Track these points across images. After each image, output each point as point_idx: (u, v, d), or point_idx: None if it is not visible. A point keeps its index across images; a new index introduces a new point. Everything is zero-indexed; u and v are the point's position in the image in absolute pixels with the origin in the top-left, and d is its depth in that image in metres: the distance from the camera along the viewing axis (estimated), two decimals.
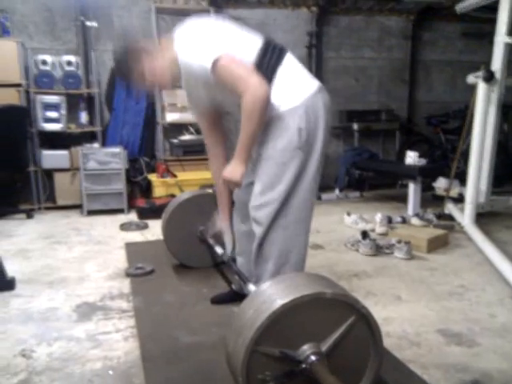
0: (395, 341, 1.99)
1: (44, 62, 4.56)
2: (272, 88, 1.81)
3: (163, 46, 1.96)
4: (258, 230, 1.92)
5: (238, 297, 2.20)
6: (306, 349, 1.34)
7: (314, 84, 1.92)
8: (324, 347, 1.35)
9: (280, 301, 1.30)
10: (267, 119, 1.84)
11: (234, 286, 2.37)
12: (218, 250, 2.42)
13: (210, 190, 2.50)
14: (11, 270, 2.70)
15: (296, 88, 1.87)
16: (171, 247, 2.80)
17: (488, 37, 4.19)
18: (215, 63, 1.73)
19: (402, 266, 2.96)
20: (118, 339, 2.02)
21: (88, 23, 4.83)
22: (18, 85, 4.42)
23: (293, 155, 1.84)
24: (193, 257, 2.82)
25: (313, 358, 1.32)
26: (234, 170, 1.85)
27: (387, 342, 1.93)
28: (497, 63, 3.74)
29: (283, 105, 1.84)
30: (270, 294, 1.36)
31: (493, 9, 4.01)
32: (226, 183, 1.93)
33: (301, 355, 1.33)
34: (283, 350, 1.32)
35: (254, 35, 1.92)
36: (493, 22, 3.82)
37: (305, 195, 1.90)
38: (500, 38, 3.71)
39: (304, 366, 1.32)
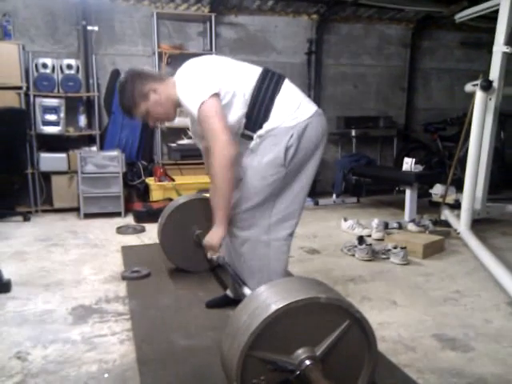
0: (391, 345, 1.99)
1: (44, 65, 4.57)
2: (271, 114, 1.94)
3: (168, 83, 2.02)
4: (234, 240, 2.04)
5: (232, 301, 2.20)
6: (301, 353, 1.34)
7: (311, 108, 2.01)
8: (318, 351, 1.35)
9: (274, 305, 1.30)
10: (263, 133, 1.94)
11: (228, 292, 2.37)
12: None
13: (206, 195, 2.51)
14: (7, 273, 2.70)
15: (292, 111, 1.96)
16: (167, 251, 2.80)
17: (486, 46, 4.23)
18: (200, 106, 1.83)
19: (397, 272, 2.97)
20: (113, 342, 2.02)
21: (89, 27, 4.85)
22: (19, 87, 4.43)
23: (275, 171, 1.94)
24: (189, 261, 2.82)
25: (307, 362, 1.32)
26: (213, 235, 1.98)
27: (383, 347, 1.93)
28: (495, 72, 3.77)
29: (278, 124, 1.94)
30: (265, 299, 1.36)
31: (491, 19, 4.05)
32: (206, 249, 2.05)
33: (295, 360, 1.33)
34: (275, 361, 1.32)
35: (253, 66, 2.04)
36: (491, 31, 3.85)
37: (283, 210, 2.00)
38: (498, 48, 3.74)
39: (298, 371, 1.32)
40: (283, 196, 2.00)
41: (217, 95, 1.85)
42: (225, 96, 1.91)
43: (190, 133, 2.35)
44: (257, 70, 2.01)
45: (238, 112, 1.96)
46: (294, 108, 1.96)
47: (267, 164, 1.93)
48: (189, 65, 2.00)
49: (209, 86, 1.86)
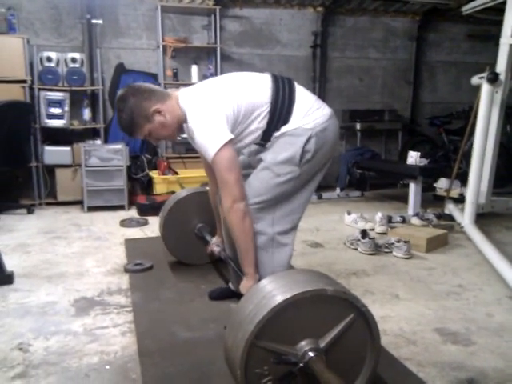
0: (392, 339, 1.99)
1: (49, 59, 4.58)
2: (290, 121, 1.93)
3: (171, 101, 1.94)
4: None
5: (234, 294, 2.20)
6: (305, 345, 1.34)
7: (326, 111, 2.01)
8: (322, 344, 1.35)
9: (281, 296, 1.30)
10: (279, 134, 1.94)
11: (230, 285, 2.38)
12: (216, 247, 2.43)
13: (207, 188, 2.51)
14: (10, 265, 2.72)
15: (309, 115, 1.95)
16: (169, 245, 2.81)
17: (493, 39, 4.18)
18: (214, 156, 1.79)
19: (400, 265, 2.96)
20: (115, 334, 2.02)
21: (94, 21, 4.85)
22: (23, 81, 4.44)
23: (289, 170, 1.92)
24: (190, 254, 2.82)
25: (311, 354, 1.32)
26: (244, 287, 1.92)
27: (384, 340, 1.92)
28: (501, 65, 3.73)
29: (297, 125, 1.92)
30: (271, 290, 1.36)
31: (499, 10, 4.00)
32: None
33: (299, 351, 1.34)
34: (279, 351, 1.32)
35: (262, 78, 1.99)
36: (499, 23, 3.81)
37: (290, 210, 1.99)
38: (505, 40, 3.70)
39: (302, 363, 1.32)
40: (291, 199, 1.99)
41: (231, 142, 1.81)
42: (242, 121, 1.90)
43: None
44: (267, 82, 1.96)
45: (256, 129, 1.95)
46: (311, 111, 1.96)
47: (282, 162, 1.91)
48: (201, 97, 1.90)
49: (223, 130, 1.80)
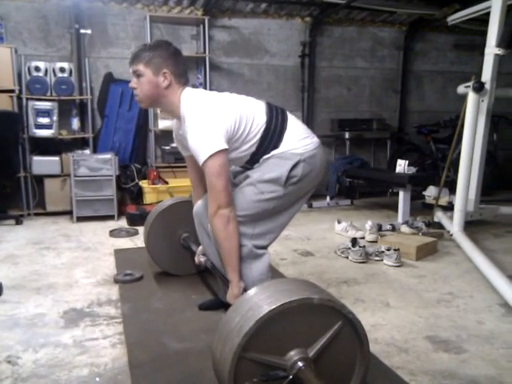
0: (383, 347, 1.99)
1: (37, 69, 4.56)
2: (278, 148, 1.97)
3: (178, 88, 1.97)
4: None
5: (224, 304, 2.20)
6: (293, 355, 1.33)
7: (315, 139, 2.06)
8: (311, 353, 1.35)
9: (267, 306, 1.29)
10: (268, 156, 1.97)
11: (219, 294, 2.37)
12: (202, 257, 2.42)
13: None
14: None
15: (299, 141, 1.99)
16: (154, 255, 2.78)
17: (479, 48, 4.25)
18: (206, 160, 1.81)
19: (391, 273, 2.97)
20: (105, 346, 2.00)
21: (82, 30, 4.84)
22: (11, 91, 4.41)
23: (273, 190, 1.95)
24: (176, 264, 2.80)
25: (300, 364, 1.31)
26: (230, 296, 1.94)
27: (375, 349, 1.93)
28: (487, 74, 3.79)
29: (287, 149, 1.96)
30: (257, 301, 1.35)
31: (483, 21, 4.07)
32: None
33: (288, 361, 1.33)
34: (268, 363, 1.31)
35: (257, 104, 2.02)
36: (483, 33, 3.87)
37: (268, 228, 2.01)
38: (490, 50, 3.76)
39: (291, 375, 1.31)
40: (272, 218, 2.01)
41: (225, 151, 1.83)
42: (236, 139, 1.92)
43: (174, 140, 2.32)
44: (261, 108, 2.00)
45: (245, 152, 1.98)
46: (301, 138, 2.00)
47: (267, 180, 1.93)
48: (205, 102, 1.91)
49: (220, 138, 1.82)
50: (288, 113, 2.07)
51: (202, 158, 1.82)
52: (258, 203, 1.95)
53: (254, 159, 2.01)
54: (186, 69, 2.04)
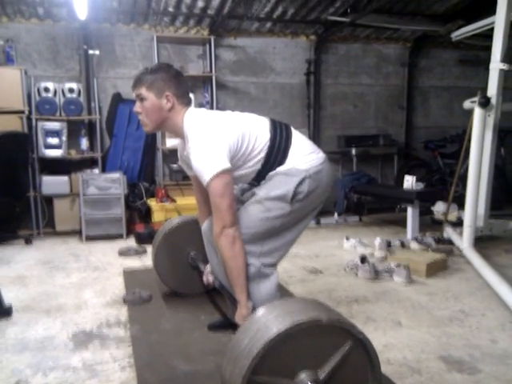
0: (396, 368, 1.96)
1: (46, 89, 4.63)
2: (284, 165, 1.97)
3: (182, 109, 2.00)
4: None
5: (233, 324, 2.18)
6: (304, 377, 1.31)
7: (321, 154, 2.06)
8: (322, 375, 1.33)
9: (275, 328, 1.28)
10: (274, 173, 1.97)
11: (228, 314, 2.35)
12: (211, 276, 2.41)
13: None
14: (8, 297, 2.69)
15: (305, 156, 1.99)
16: (162, 275, 2.77)
17: (484, 63, 4.25)
18: (210, 181, 1.82)
19: (401, 291, 2.94)
20: (114, 369, 1.99)
21: (90, 51, 4.93)
22: (21, 111, 4.48)
23: (280, 207, 1.94)
24: (184, 284, 2.79)
25: None
26: (239, 316, 1.93)
27: (388, 370, 1.91)
28: (492, 89, 3.79)
29: (291, 166, 1.96)
30: (265, 322, 1.34)
31: (487, 36, 4.09)
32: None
33: None
34: None
35: (261, 121, 2.04)
36: (488, 49, 3.89)
37: (276, 246, 2.00)
38: (495, 65, 3.77)
39: None
40: (279, 236, 2.00)
41: (229, 171, 1.84)
42: (240, 157, 1.93)
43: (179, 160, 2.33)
44: (266, 125, 2.01)
45: (251, 169, 1.99)
46: (306, 154, 2.00)
47: (273, 198, 1.93)
48: (207, 122, 1.93)
49: (223, 157, 1.83)
50: (292, 128, 2.08)
51: (205, 179, 1.83)
52: (264, 221, 1.94)
53: (259, 176, 2.02)
54: (187, 89, 2.06)
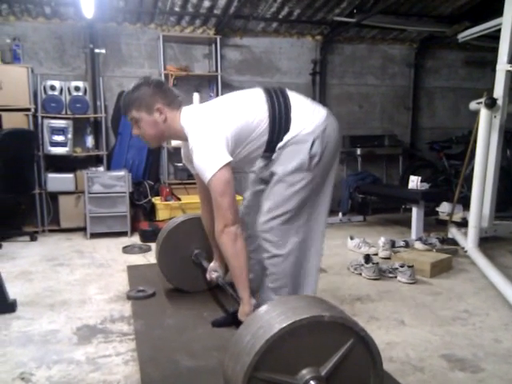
0: (398, 366, 1.96)
1: (52, 87, 4.66)
2: (290, 128, 1.97)
3: (176, 113, 2.02)
4: (267, 246, 1.99)
5: (237, 321, 2.19)
6: (305, 373, 1.31)
7: (322, 112, 2.05)
8: (323, 371, 1.33)
9: (278, 325, 1.28)
10: (283, 144, 1.97)
11: (231, 310, 2.36)
12: (214, 273, 2.42)
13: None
14: (13, 293, 2.70)
15: (308, 117, 1.99)
16: (166, 272, 2.78)
17: (490, 65, 4.24)
18: (211, 178, 1.84)
19: (405, 290, 2.93)
20: (118, 363, 2.00)
21: (97, 50, 4.95)
22: (27, 109, 4.50)
23: (302, 177, 1.95)
24: (188, 281, 2.80)
25: (312, 383, 1.29)
26: (242, 313, 1.97)
27: (390, 367, 1.90)
28: (499, 90, 3.78)
29: (298, 132, 1.96)
30: (268, 319, 1.34)
31: (494, 37, 4.08)
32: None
33: (300, 380, 1.31)
34: (280, 382, 1.29)
35: (254, 93, 2.04)
36: (495, 50, 3.88)
37: (314, 216, 2.04)
38: (501, 66, 3.76)
39: None
40: (313, 203, 2.02)
41: (228, 165, 1.85)
42: (244, 140, 1.95)
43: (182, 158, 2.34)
44: (261, 97, 2.01)
45: (260, 144, 2.00)
46: (308, 114, 2.00)
47: (293, 171, 1.95)
48: (201, 119, 1.94)
49: (221, 153, 1.84)
50: (288, 90, 2.07)
51: (206, 177, 1.85)
52: (293, 196, 1.95)
53: (270, 146, 2.01)
54: (173, 92, 2.06)
